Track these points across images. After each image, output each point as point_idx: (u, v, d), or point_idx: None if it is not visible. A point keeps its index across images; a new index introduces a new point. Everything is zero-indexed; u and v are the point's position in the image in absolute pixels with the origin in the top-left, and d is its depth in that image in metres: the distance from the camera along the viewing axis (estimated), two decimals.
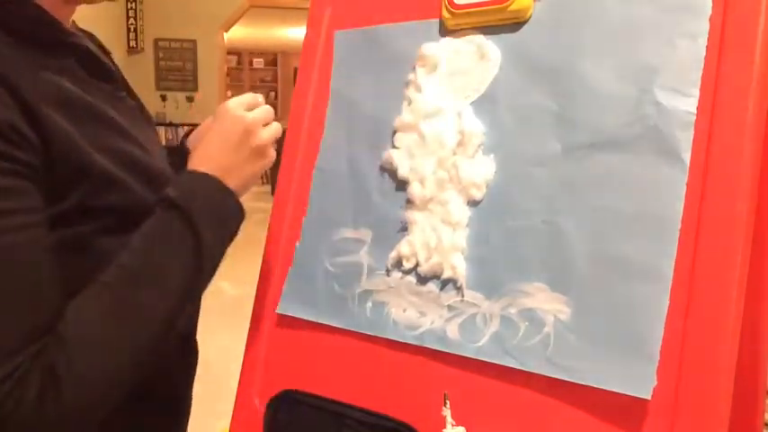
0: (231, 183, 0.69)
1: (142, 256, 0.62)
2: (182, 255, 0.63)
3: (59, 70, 0.63)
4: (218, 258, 0.68)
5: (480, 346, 0.67)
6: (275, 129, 0.75)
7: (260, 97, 0.77)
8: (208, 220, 0.65)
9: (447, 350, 0.69)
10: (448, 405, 0.65)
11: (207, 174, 0.68)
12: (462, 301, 0.69)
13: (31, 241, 0.56)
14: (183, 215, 0.64)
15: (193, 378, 0.85)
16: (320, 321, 0.79)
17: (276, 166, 0.82)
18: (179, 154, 0.86)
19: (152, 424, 0.74)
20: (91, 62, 0.69)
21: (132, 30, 5.66)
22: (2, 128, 0.54)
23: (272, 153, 0.75)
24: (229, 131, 0.71)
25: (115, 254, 0.62)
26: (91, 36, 0.78)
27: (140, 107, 0.80)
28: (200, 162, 0.70)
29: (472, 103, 0.73)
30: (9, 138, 0.54)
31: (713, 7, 0.60)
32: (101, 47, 0.79)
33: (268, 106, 0.76)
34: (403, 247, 0.74)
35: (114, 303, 0.59)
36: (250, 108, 0.74)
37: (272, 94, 11.07)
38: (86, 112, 0.64)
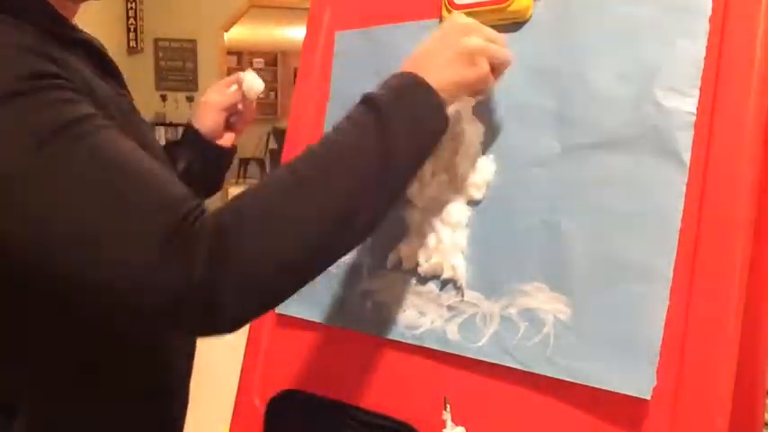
0: (435, 81, 0.61)
1: (328, 143, 0.59)
2: (367, 144, 0.58)
3: (75, 62, 0.63)
4: (410, 159, 0.61)
5: (480, 346, 0.67)
6: (496, 49, 0.65)
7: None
8: (400, 116, 0.59)
9: (447, 350, 0.69)
10: (448, 409, 0.65)
11: (404, 72, 0.63)
12: (462, 301, 0.69)
13: (117, 136, 0.55)
14: (373, 108, 0.59)
15: (191, 367, 0.84)
16: (320, 321, 0.79)
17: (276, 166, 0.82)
18: (185, 136, 0.91)
19: (151, 411, 0.74)
20: (97, 58, 0.69)
21: (132, 30, 5.65)
22: (48, 55, 0.55)
23: (485, 66, 0.64)
24: (446, 30, 0.65)
25: None
26: (90, 36, 0.78)
27: (135, 107, 0.81)
28: (411, 61, 0.64)
29: (472, 104, 0.73)
30: (56, 62, 0.55)
31: (713, 7, 0.60)
32: (102, 46, 0.79)
33: (500, 34, 0.67)
34: (403, 248, 0.74)
35: (293, 184, 0.55)
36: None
37: (272, 94, 11.06)
38: (104, 100, 0.63)
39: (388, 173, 0.58)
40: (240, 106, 0.97)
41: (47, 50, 0.56)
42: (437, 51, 0.63)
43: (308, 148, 0.58)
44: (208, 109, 0.95)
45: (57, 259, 0.50)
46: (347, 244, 0.60)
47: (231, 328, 0.54)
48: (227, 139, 0.98)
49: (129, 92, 0.79)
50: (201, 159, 0.94)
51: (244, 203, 0.53)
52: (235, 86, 0.96)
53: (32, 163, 0.50)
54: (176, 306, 0.50)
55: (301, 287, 0.57)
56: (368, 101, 0.60)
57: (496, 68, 0.66)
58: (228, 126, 0.98)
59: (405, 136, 0.59)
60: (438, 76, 0.62)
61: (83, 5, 0.70)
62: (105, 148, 0.52)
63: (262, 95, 0.96)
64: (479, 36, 0.64)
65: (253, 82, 0.94)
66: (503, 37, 0.67)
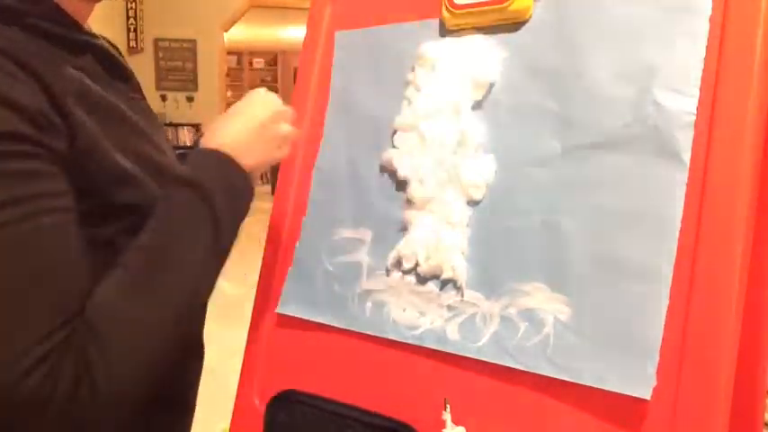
0: (244, 162, 0.68)
1: (159, 234, 0.61)
2: (199, 227, 0.62)
3: (79, 68, 0.63)
4: (233, 233, 0.67)
5: (480, 346, 0.67)
6: (295, 130, 0.76)
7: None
8: (222, 194, 0.64)
9: (447, 350, 0.69)
10: (448, 410, 0.65)
11: (218, 150, 0.67)
12: (462, 301, 0.69)
13: (60, 224, 0.55)
14: (197, 190, 0.63)
15: (199, 379, 0.85)
16: (320, 321, 0.79)
17: (276, 166, 0.82)
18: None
19: (158, 422, 0.74)
20: (108, 61, 0.69)
21: (132, 30, 5.66)
22: (30, 112, 0.53)
23: (288, 150, 0.75)
24: (259, 111, 0.71)
25: None
26: (102, 38, 0.78)
27: (149, 108, 0.81)
28: (214, 137, 0.68)
29: (472, 103, 0.73)
30: (37, 122, 0.54)
31: (713, 7, 0.60)
32: (115, 47, 0.79)
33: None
34: (403, 247, 0.74)
35: (137, 284, 0.58)
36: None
37: None
38: (107, 110, 0.64)
39: (219, 246, 0.64)
40: None
41: (28, 99, 0.55)
42: (254, 134, 0.70)
43: (142, 243, 0.61)
44: None
45: None
46: (196, 318, 0.67)
47: (91, 425, 0.55)
48: None
49: (143, 94, 0.79)
50: None
51: (96, 319, 0.55)
52: None
53: None
54: (39, 413, 0.52)
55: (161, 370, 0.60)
56: (190, 184, 0.64)
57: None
58: None
59: (228, 213, 0.65)
60: (251, 159, 0.68)
61: (96, 6, 0.70)
62: (27, 242, 0.53)
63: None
64: (287, 121, 0.73)
65: None
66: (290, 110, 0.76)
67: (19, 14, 0.57)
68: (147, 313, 0.57)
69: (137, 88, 0.76)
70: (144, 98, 0.79)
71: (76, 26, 0.66)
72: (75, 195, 0.58)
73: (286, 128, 0.73)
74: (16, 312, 0.52)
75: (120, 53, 0.80)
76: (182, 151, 0.89)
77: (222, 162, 0.66)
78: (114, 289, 0.57)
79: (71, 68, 0.61)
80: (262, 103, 0.72)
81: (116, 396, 0.55)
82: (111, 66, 0.70)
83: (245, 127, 0.70)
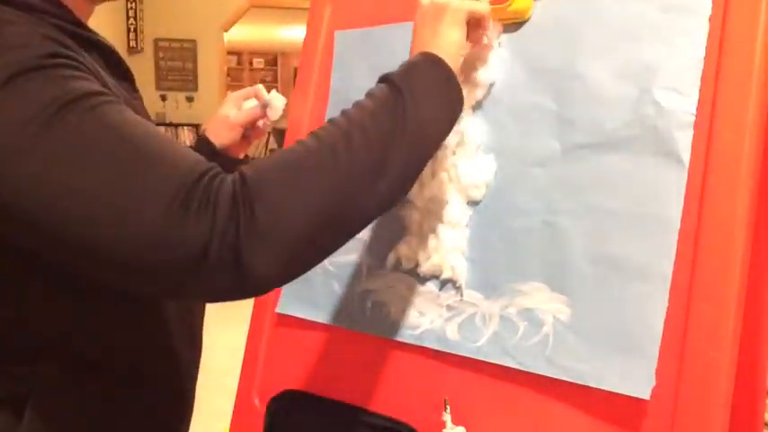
0: (440, 52, 0.64)
1: (349, 111, 0.59)
2: (388, 110, 0.59)
3: (90, 61, 0.64)
4: (433, 121, 0.62)
5: (480, 346, 0.67)
6: (474, 5, 0.68)
7: None
8: (416, 85, 0.61)
9: (446, 350, 0.69)
10: (448, 410, 0.65)
11: (414, 54, 0.65)
12: (462, 300, 0.69)
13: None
14: (390, 82, 0.61)
15: (197, 371, 0.85)
16: (320, 321, 0.79)
17: None
18: (199, 146, 0.88)
19: (157, 417, 0.74)
20: (112, 62, 0.69)
21: (132, 30, 5.65)
22: (64, 42, 0.56)
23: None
24: (422, 8, 0.68)
25: None
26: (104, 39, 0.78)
27: (146, 110, 0.81)
28: (415, 45, 0.67)
29: (472, 103, 0.73)
30: (72, 49, 0.56)
31: (713, 7, 0.60)
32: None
33: None
34: (403, 247, 0.74)
35: (318, 143, 0.55)
36: None
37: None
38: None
39: (411, 135, 0.58)
40: (260, 123, 0.93)
41: (63, 41, 0.56)
42: (434, 24, 0.66)
43: (333, 119, 0.58)
44: (225, 124, 0.91)
45: (74, 226, 0.50)
46: (374, 203, 0.58)
47: (257, 288, 0.52)
48: (237, 150, 0.96)
49: (140, 95, 0.79)
50: None
51: (265, 162, 0.53)
52: (254, 101, 0.92)
53: (48, 131, 0.50)
54: (198, 264, 0.48)
55: (330, 251, 0.56)
56: (385, 79, 0.62)
57: (480, 23, 0.69)
58: (242, 140, 0.95)
59: (424, 102, 0.60)
60: (446, 49, 0.64)
61: (97, 7, 0.70)
62: (121, 119, 0.53)
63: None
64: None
65: (279, 104, 0.90)
66: None
67: (30, 9, 0.58)
68: (324, 168, 0.54)
69: (136, 89, 0.77)
70: (141, 99, 0.79)
71: (83, 25, 0.66)
72: None
73: (457, 3, 0.66)
74: (140, 172, 0.50)
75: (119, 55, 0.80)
76: None
77: (420, 61, 0.64)
78: (292, 146, 0.56)
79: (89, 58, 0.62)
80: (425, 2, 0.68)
81: (280, 231, 0.50)
82: (115, 64, 0.70)
83: (419, 28, 0.67)
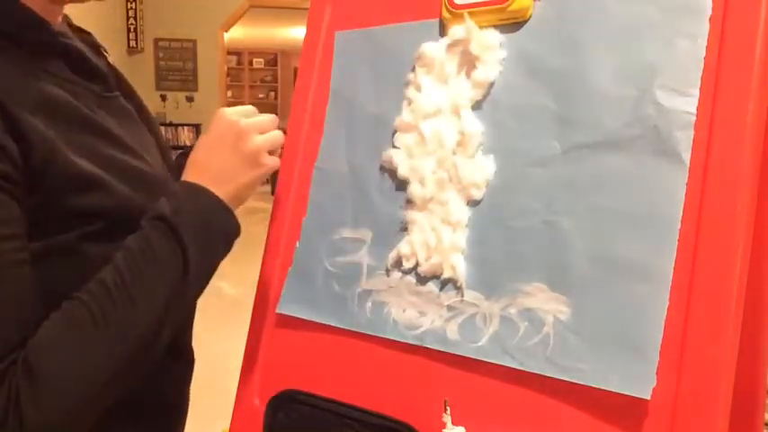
0: (223, 190, 0.67)
1: (123, 271, 0.59)
2: (166, 270, 0.61)
3: (44, 73, 0.63)
4: (206, 274, 0.66)
5: (480, 346, 0.67)
6: (273, 136, 0.72)
7: (256, 111, 0.75)
8: (194, 234, 0.63)
9: (447, 350, 0.69)
10: (448, 411, 0.65)
11: (198, 185, 0.66)
12: (462, 301, 0.69)
13: (6, 252, 0.55)
14: (169, 229, 0.62)
15: (188, 384, 0.84)
16: (320, 321, 0.79)
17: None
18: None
19: (146, 426, 0.74)
20: (78, 62, 0.69)
21: (132, 30, 5.65)
22: None
23: (269, 161, 0.72)
24: (222, 136, 0.69)
25: (103, 261, 0.60)
26: (87, 34, 0.78)
27: (139, 107, 0.80)
28: (193, 170, 0.68)
29: (472, 103, 0.73)
30: None
31: (713, 7, 0.60)
32: (96, 46, 0.78)
33: (269, 115, 0.74)
34: (403, 247, 0.74)
35: (89, 322, 0.57)
36: (247, 116, 0.71)
37: (272, 94, 11.03)
38: (69, 116, 0.63)
39: (187, 286, 0.62)
40: None
41: None
42: (223, 160, 0.68)
43: (103, 278, 0.59)
44: None
45: None
46: (152, 357, 0.62)
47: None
48: None
49: (131, 93, 0.78)
50: None
51: (35, 356, 0.55)
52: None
53: None
54: None
55: (110, 401, 0.59)
56: (163, 220, 0.62)
57: (276, 149, 0.72)
58: None
59: (200, 256, 0.63)
60: (230, 185, 0.67)
61: (79, 8, 0.69)
62: None
63: (262, 96, 0.93)
64: (254, 133, 0.69)
65: None
66: (268, 115, 0.73)
67: None
68: (93, 347, 0.56)
69: (118, 87, 0.75)
70: (132, 96, 0.78)
71: (46, 28, 0.65)
72: (38, 206, 0.58)
73: (255, 142, 0.70)
74: None
75: (103, 51, 0.79)
76: (181, 151, 0.89)
77: (195, 194, 0.65)
78: (61, 324, 0.57)
79: (31, 77, 0.61)
80: (224, 126, 0.70)
81: (45, 427, 0.54)
82: (82, 66, 0.69)
83: (213, 156, 0.68)
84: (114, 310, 0.57)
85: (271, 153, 0.72)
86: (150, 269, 0.60)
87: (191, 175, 0.68)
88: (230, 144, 0.68)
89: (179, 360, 0.81)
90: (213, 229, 0.65)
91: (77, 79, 0.67)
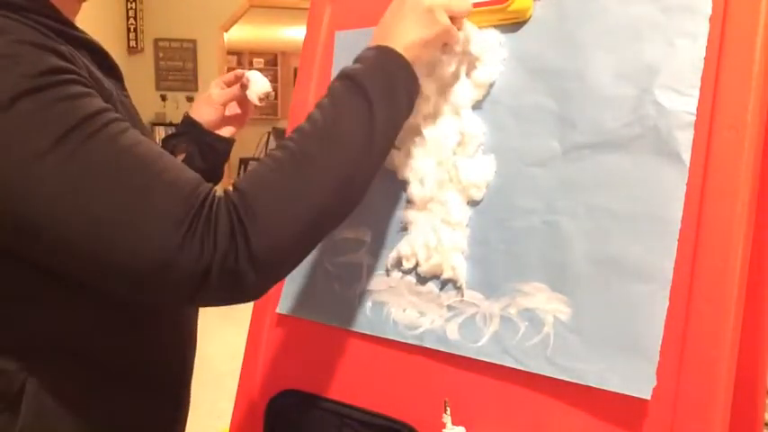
0: (400, 47, 0.67)
1: (315, 118, 0.62)
2: (356, 117, 0.63)
3: (80, 60, 0.64)
4: (393, 126, 0.66)
5: (480, 346, 0.67)
6: (452, 3, 0.69)
7: None
8: (375, 84, 0.64)
9: (447, 350, 0.69)
10: (448, 412, 0.65)
11: (373, 45, 0.68)
12: (462, 301, 0.69)
13: (129, 128, 0.57)
14: (351, 81, 0.64)
15: (191, 373, 0.84)
16: (320, 321, 0.79)
17: None
18: (183, 125, 0.94)
19: (153, 417, 0.74)
20: (100, 57, 0.70)
21: (132, 30, 5.65)
22: (60, 52, 0.56)
23: (443, 20, 0.68)
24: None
25: None
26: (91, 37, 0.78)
27: (135, 108, 0.81)
28: (376, 33, 0.70)
29: (472, 103, 0.73)
30: (67, 58, 0.57)
31: (713, 7, 0.60)
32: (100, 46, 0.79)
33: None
34: (403, 247, 0.74)
35: (286, 160, 0.59)
36: None
37: (272, 94, 11.03)
38: (110, 100, 0.64)
39: (374, 137, 0.63)
40: (238, 105, 0.97)
41: (56, 47, 0.57)
42: (399, 17, 0.68)
43: (299, 128, 0.62)
44: (207, 102, 0.96)
45: (84, 244, 0.53)
46: (348, 207, 0.64)
47: (252, 298, 0.59)
48: (225, 131, 0.98)
49: (128, 94, 0.79)
50: (200, 148, 0.94)
51: (249, 184, 0.57)
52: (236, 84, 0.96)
53: (56, 154, 0.52)
54: (200, 284, 0.54)
55: (311, 250, 0.62)
56: (344, 76, 0.65)
57: (457, 19, 0.70)
58: (226, 120, 0.98)
59: (382, 101, 0.64)
60: (403, 40, 0.67)
61: (84, 5, 0.70)
62: (124, 142, 0.55)
63: (263, 96, 0.95)
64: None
65: (257, 83, 0.93)
66: None
67: (18, 9, 0.58)
68: (302, 188, 0.58)
69: (125, 87, 0.77)
70: (129, 97, 0.79)
71: (70, 23, 0.66)
72: None
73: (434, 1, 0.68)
74: (149, 195, 0.54)
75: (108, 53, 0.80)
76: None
77: (376, 53, 0.66)
78: (270, 164, 0.59)
79: (76, 57, 0.62)
80: None
81: (271, 250, 0.56)
82: (103, 61, 0.70)
83: (389, 15, 0.70)
84: (315, 151, 0.60)
85: (452, 20, 0.70)
86: (342, 118, 0.62)
87: (375, 38, 0.69)
88: (408, 4, 0.69)
89: (187, 346, 0.81)
90: (395, 87, 0.66)
91: (99, 74, 0.68)
